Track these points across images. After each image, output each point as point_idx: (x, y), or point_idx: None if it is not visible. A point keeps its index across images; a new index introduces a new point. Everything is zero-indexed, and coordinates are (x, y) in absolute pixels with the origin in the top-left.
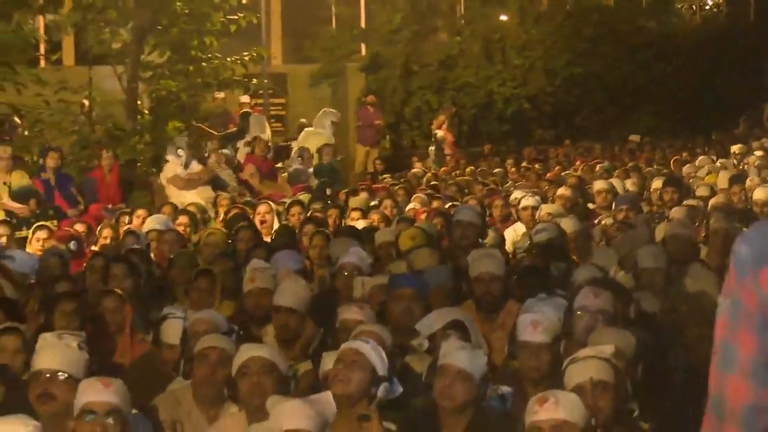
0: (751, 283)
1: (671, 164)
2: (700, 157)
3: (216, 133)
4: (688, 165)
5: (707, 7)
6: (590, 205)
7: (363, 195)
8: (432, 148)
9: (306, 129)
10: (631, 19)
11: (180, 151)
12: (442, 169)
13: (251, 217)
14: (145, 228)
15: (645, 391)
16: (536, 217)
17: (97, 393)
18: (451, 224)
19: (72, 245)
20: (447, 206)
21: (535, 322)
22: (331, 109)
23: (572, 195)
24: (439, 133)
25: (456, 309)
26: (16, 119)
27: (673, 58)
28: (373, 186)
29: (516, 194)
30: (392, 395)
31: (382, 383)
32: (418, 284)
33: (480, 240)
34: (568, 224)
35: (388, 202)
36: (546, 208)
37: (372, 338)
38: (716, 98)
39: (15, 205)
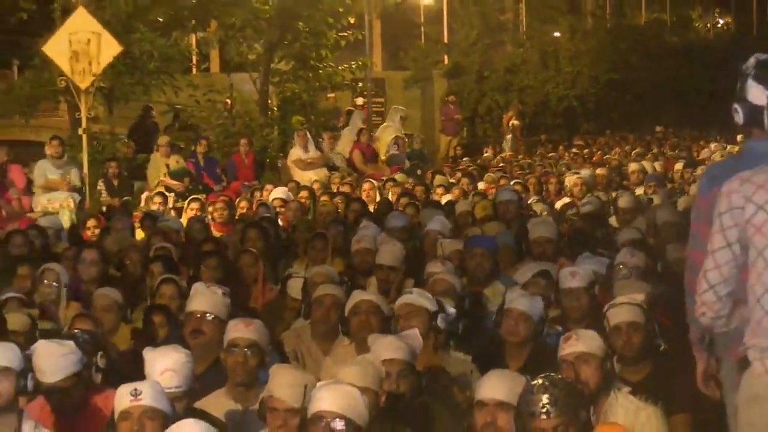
0: (704, 197)
1: (691, 150)
2: (713, 144)
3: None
4: (704, 150)
5: (719, 25)
6: (625, 182)
7: (443, 175)
8: (509, 136)
9: (383, 124)
10: (658, 34)
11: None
12: (509, 153)
13: (357, 192)
14: (271, 197)
15: (670, 330)
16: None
17: (240, 331)
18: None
19: None
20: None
21: (573, 272)
22: (400, 107)
23: (608, 174)
24: (515, 122)
25: (542, 263)
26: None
27: (691, 65)
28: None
29: (567, 174)
30: (449, 319)
31: (438, 315)
32: (489, 245)
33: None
34: (623, 198)
35: (465, 180)
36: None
37: (445, 286)
38: (726, 97)
39: (173, 182)
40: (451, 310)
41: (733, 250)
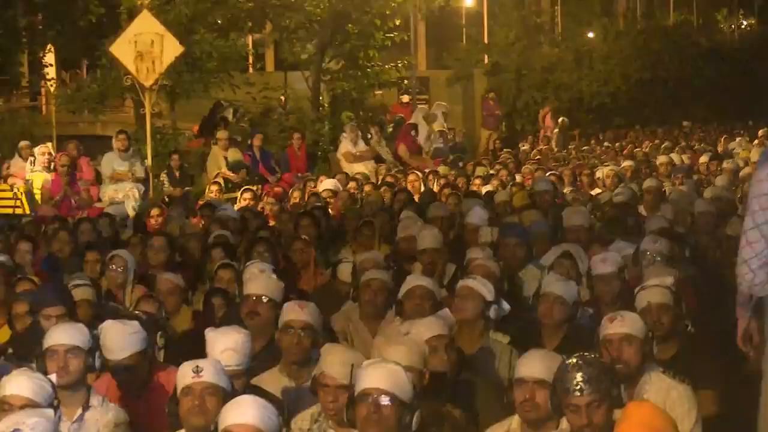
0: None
1: (717, 144)
2: (738, 138)
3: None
4: (730, 143)
5: (743, 26)
6: (654, 174)
7: (483, 166)
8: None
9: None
10: (686, 35)
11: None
12: (545, 146)
13: (402, 183)
14: (321, 188)
15: (697, 311)
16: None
17: (295, 313)
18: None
19: None
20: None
21: (604, 258)
22: (442, 103)
23: (637, 165)
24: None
25: (565, 244)
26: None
27: (717, 64)
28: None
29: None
30: (503, 313)
31: (492, 306)
32: (522, 233)
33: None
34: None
35: (503, 172)
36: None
37: (484, 271)
38: (751, 94)
39: (231, 174)
40: (506, 306)
41: (761, 230)
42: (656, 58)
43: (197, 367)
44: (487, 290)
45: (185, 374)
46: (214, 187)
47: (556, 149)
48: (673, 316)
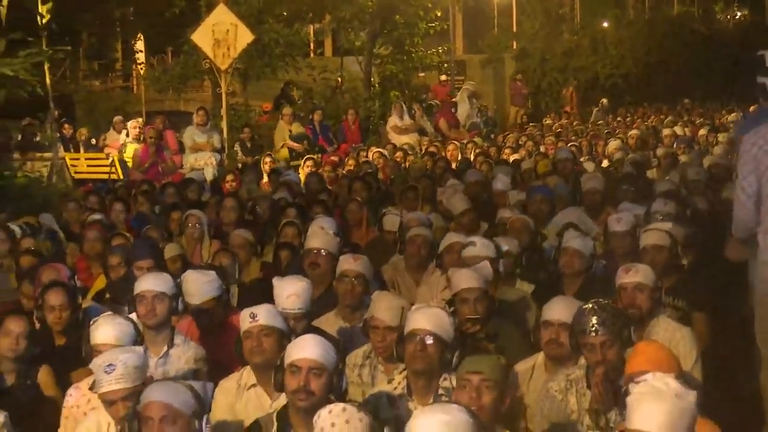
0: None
1: (714, 118)
2: (733, 114)
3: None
4: (728, 117)
5: (737, 17)
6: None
7: (513, 137)
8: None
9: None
10: (688, 24)
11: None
12: (565, 120)
13: (442, 152)
14: (371, 154)
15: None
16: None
17: (350, 264)
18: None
19: None
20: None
21: (619, 218)
22: (469, 83)
23: (644, 135)
24: (604, 101)
25: (572, 212)
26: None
27: (714, 50)
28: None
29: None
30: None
31: (499, 260)
32: (547, 192)
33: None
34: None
35: (529, 143)
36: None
37: (521, 223)
38: (743, 75)
39: (294, 145)
40: (505, 247)
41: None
42: (662, 44)
43: (253, 313)
44: (489, 249)
45: (244, 320)
46: (267, 159)
47: (576, 123)
48: (667, 254)
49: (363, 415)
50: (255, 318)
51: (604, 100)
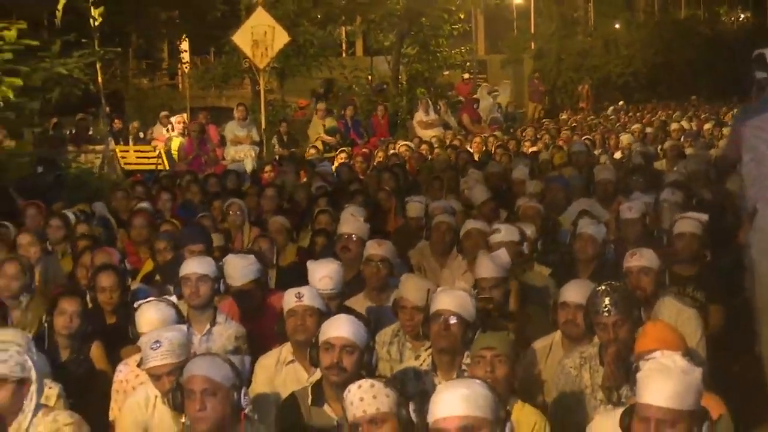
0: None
1: (719, 113)
2: (735, 110)
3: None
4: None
5: (740, 19)
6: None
7: (531, 131)
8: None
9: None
10: (695, 26)
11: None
12: (579, 116)
13: (466, 145)
14: (398, 147)
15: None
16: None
17: (374, 249)
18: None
19: None
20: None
21: (630, 206)
22: (486, 84)
23: (655, 131)
24: (621, 103)
25: (585, 201)
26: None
27: (719, 50)
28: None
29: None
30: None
31: (523, 243)
32: (563, 182)
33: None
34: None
35: (546, 136)
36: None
37: (533, 211)
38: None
39: (328, 138)
40: (528, 231)
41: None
42: (669, 44)
43: (299, 293)
44: (513, 234)
45: (289, 299)
46: (312, 150)
47: (590, 118)
48: (698, 244)
49: (389, 390)
50: (300, 298)
51: (622, 102)
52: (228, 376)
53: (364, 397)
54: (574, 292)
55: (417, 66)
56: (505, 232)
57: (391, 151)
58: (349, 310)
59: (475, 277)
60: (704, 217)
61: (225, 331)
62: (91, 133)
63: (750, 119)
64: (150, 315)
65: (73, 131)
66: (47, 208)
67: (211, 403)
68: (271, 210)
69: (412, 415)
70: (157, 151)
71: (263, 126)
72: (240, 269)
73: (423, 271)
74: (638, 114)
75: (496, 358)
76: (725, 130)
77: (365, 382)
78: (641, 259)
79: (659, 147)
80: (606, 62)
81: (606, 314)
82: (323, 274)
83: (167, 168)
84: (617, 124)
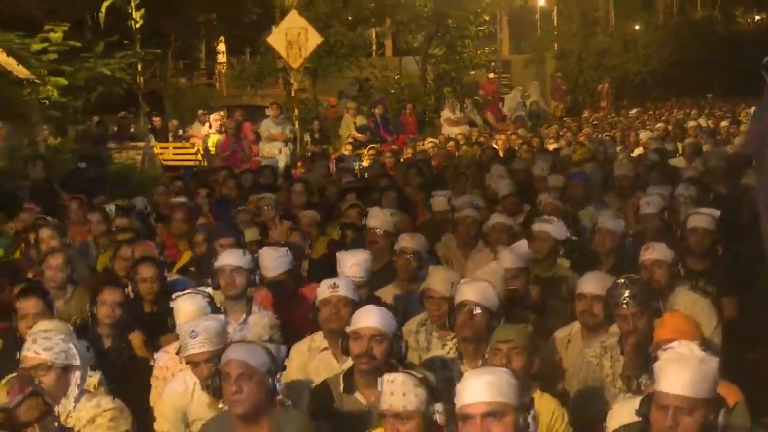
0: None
1: (734, 112)
2: (752, 107)
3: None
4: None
5: (757, 19)
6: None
7: (554, 128)
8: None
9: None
10: (710, 27)
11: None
12: (600, 114)
13: (490, 142)
14: (426, 143)
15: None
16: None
17: (407, 242)
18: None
19: None
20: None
21: (648, 201)
22: (519, 88)
23: (672, 129)
24: (634, 112)
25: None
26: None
27: (734, 50)
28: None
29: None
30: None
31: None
32: (584, 178)
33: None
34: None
35: (568, 133)
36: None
37: (553, 207)
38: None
39: (359, 135)
40: (574, 237)
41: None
42: (687, 45)
43: (335, 283)
44: (559, 231)
45: (324, 289)
46: (347, 146)
47: (610, 116)
48: (710, 239)
49: (420, 390)
50: (336, 288)
51: (635, 110)
52: (263, 362)
53: (395, 392)
54: (591, 284)
55: (444, 66)
56: (554, 227)
57: (419, 148)
58: (377, 300)
59: (501, 266)
60: (716, 212)
61: (260, 321)
62: (132, 130)
63: None
64: (186, 306)
65: (115, 129)
66: (89, 203)
67: (247, 387)
68: (300, 204)
69: (438, 417)
70: (195, 148)
71: (296, 123)
72: (273, 261)
73: (449, 263)
74: (657, 112)
75: (513, 350)
76: (742, 128)
77: (399, 377)
78: (654, 253)
79: (677, 144)
80: (625, 61)
81: (625, 306)
82: (353, 262)
83: (205, 164)
84: (636, 122)
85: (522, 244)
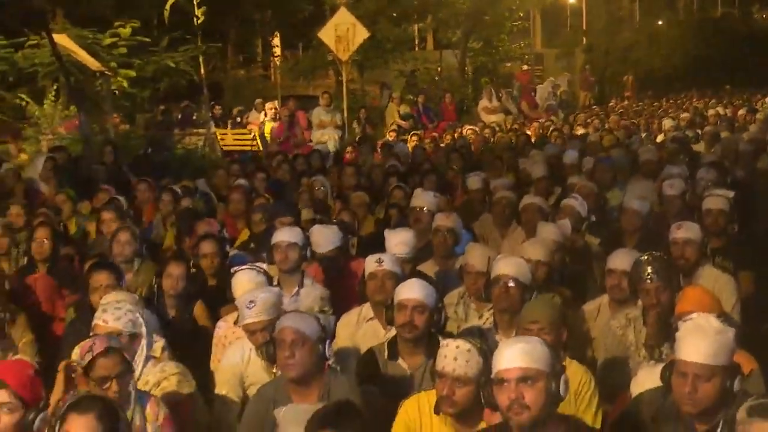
0: None
1: (751, 102)
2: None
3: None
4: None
5: None
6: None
7: (582, 116)
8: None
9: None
10: (729, 23)
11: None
12: (626, 103)
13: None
14: (464, 130)
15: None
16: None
17: (442, 220)
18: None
19: None
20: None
21: (671, 184)
22: (551, 79)
23: (692, 117)
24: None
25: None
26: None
27: (751, 45)
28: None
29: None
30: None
31: (585, 220)
32: (611, 162)
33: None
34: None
35: (596, 121)
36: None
37: (586, 190)
38: None
39: (403, 123)
40: (593, 218)
41: None
42: (707, 40)
43: (380, 259)
44: (582, 208)
45: (370, 264)
46: (393, 134)
47: (635, 105)
48: (725, 219)
49: (480, 359)
50: (381, 263)
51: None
52: (315, 330)
53: (458, 358)
54: (620, 260)
55: (481, 58)
56: (578, 203)
57: (458, 134)
58: (420, 274)
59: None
60: (730, 193)
61: (311, 293)
62: (194, 118)
63: None
64: (244, 280)
65: (179, 117)
66: (156, 184)
67: (299, 353)
68: (350, 186)
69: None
70: (252, 134)
71: (345, 112)
72: (325, 238)
73: (485, 240)
74: (678, 101)
75: (542, 331)
76: (758, 116)
77: (465, 344)
78: (687, 232)
79: (697, 131)
80: (649, 56)
81: (649, 281)
82: (399, 240)
83: (261, 149)
84: (659, 110)
85: (564, 223)
